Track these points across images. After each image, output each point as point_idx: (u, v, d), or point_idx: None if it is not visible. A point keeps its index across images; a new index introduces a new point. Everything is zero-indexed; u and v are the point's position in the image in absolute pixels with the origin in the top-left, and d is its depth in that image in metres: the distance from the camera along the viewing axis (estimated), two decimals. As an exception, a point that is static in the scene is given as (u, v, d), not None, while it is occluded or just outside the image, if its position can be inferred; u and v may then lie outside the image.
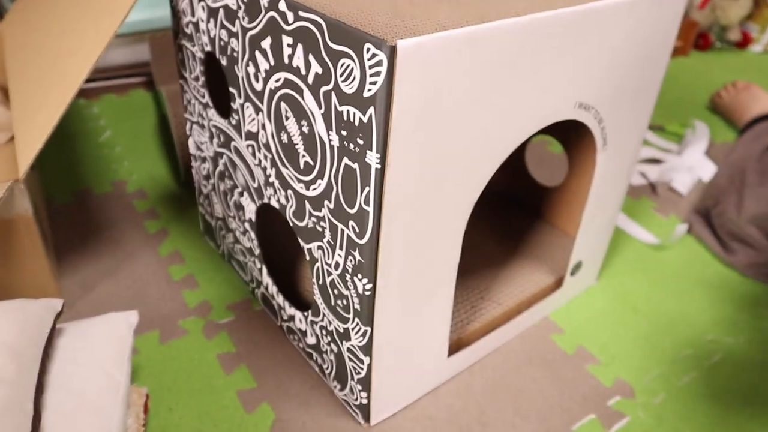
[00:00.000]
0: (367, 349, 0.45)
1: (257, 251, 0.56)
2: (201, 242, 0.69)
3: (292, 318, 0.55)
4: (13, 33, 0.74)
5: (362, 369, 0.46)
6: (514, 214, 0.72)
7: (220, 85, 0.54)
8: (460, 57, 0.35)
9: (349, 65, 0.34)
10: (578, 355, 0.58)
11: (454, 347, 0.54)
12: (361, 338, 0.45)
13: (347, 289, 0.43)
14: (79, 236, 0.68)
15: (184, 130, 0.74)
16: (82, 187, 0.77)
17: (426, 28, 0.34)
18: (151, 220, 0.72)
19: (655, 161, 0.91)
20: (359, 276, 0.41)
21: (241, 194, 0.55)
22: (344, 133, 0.37)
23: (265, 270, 0.56)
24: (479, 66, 0.37)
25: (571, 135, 0.61)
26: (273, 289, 0.56)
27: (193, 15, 0.51)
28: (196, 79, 0.55)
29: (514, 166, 0.73)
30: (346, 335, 0.46)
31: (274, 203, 0.49)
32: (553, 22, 0.39)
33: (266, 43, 0.41)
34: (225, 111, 0.53)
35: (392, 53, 0.32)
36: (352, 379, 0.48)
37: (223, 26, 0.46)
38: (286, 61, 0.40)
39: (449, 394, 0.54)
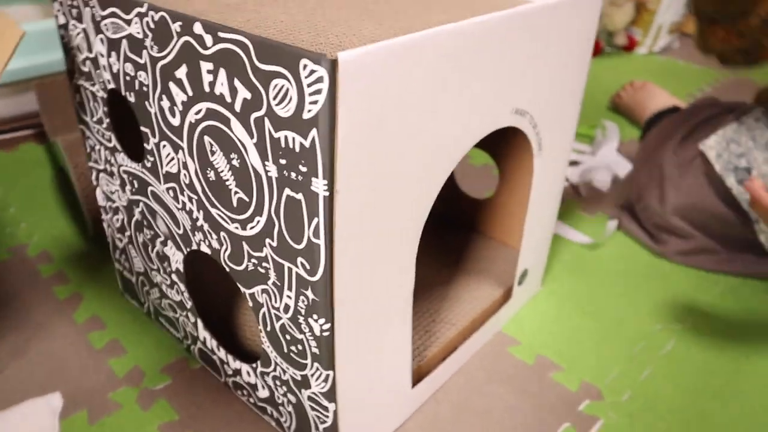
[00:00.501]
0: (331, 394, 0.41)
1: (189, 304, 0.51)
2: (121, 302, 0.62)
3: (238, 372, 0.50)
4: None
5: (327, 417, 0.42)
6: (450, 231, 0.70)
7: (128, 126, 0.49)
8: (400, 68, 0.33)
9: (283, 86, 0.31)
10: (539, 365, 0.57)
11: (416, 376, 0.51)
12: (323, 384, 0.41)
13: (301, 332, 0.39)
14: (-24, 313, 0.60)
15: (89, 181, 0.68)
16: (-27, 258, 0.68)
17: (353, 43, 0.32)
18: (60, 285, 0.64)
19: (572, 163, 0.93)
20: (314, 317, 0.38)
21: (164, 243, 0.49)
22: (283, 161, 0.33)
23: (200, 324, 0.51)
24: (419, 77, 0.34)
25: (501, 144, 0.61)
26: (212, 343, 0.51)
27: (90, 50, 0.46)
28: (100, 121, 0.49)
29: (446, 185, 0.71)
30: (304, 383, 0.42)
31: (204, 249, 0.44)
32: (483, 28, 0.38)
33: (181, 72, 0.37)
34: (137, 154, 0.48)
35: (333, 68, 0.29)
36: (317, 429, 0.44)
37: (127, 59, 0.42)
38: (207, 89, 0.36)
39: (417, 428, 0.50)
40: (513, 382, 0.55)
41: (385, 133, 0.34)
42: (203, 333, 0.52)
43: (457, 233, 0.70)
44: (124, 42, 0.41)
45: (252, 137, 0.34)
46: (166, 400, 0.52)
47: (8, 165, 0.86)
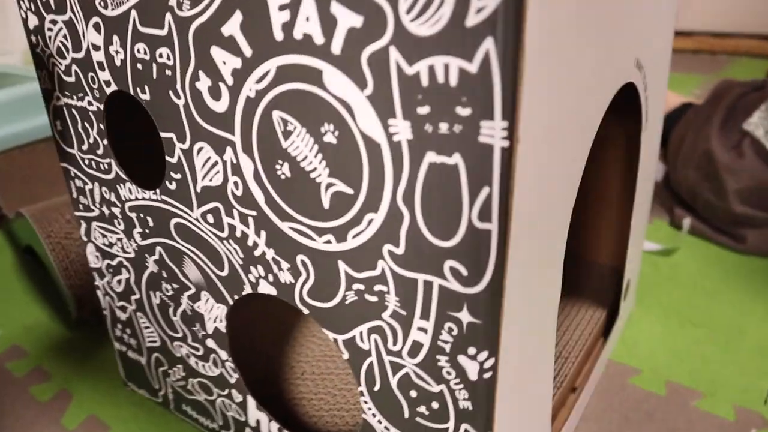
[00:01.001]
0: (485, 468, 0.28)
1: (233, 377, 0.37)
2: (125, 395, 0.47)
3: None
4: None
5: (477, 504, 0.29)
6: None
7: (134, 146, 0.37)
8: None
9: (427, -17, 0.20)
10: (674, 393, 0.45)
11: (555, 411, 0.38)
12: (474, 454, 0.28)
13: (441, 381, 0.27)
14: (-72, 440, 0.44)
15: (66, 252, 0.54)
16: None
17: None
18: (40, 384, 0.49)
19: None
20: (471, 351, 0.25)
21: (195, 298, 0.36)
22: (424, 110, 0.22)
23: (250, 402, 0.38)
24: (589, -22, 0.24)
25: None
26: (270, 427, 0.37)
27: (78, 48, 0.34)
28: (92, 148, 0.37)
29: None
30: (441, 458, 0.29)
31: (265, 289, 0.32)
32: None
33: (232, 26, 0.26)
34: (151, 178, 0.36)
35: (526, -75, 0.18)
36: None
37: (138, 38, 0.30)
38: (280, 35, 0.25)
39: (566, 500, 0.37)
40: (655, 419, 0.43)
41: (572, 49, 0.23)
42: (255, 415, 0.38)
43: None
44: (133, 13, 0.30)
45: (364, 87, 0.23)
46: None
47: (-47, 254, 0.70)
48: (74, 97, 0.36)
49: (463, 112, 0.21)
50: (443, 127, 0.22)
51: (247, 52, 0.26)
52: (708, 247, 0.65)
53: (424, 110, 0.22)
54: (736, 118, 0.68)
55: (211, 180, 0.31)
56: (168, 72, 0.30)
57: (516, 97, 0.20)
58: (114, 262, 0.41)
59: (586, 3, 0.25)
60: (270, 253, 0.30)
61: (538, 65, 0.21)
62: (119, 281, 0.42)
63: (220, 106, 0.28)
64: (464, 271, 0.24)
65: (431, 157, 0.23)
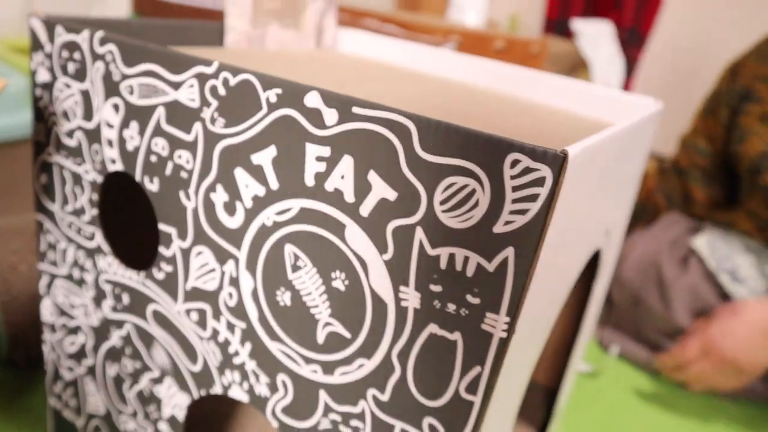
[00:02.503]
0: None
1: (180, 464, 0.37)
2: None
3: None
4: None
5: None
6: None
7: (120, 222, 0.37)
8: (593, 164, 0.26)
9: (464, 187, 0.22)
10: None
11: None
12: None
13: None
14: None
15: (8, 286, 0.52)
16: None
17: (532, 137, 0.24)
18: (-45, 428, 0.46)
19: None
20: None
21: (157, 381, 0.36)
22: (436, 288, 0.24)
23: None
24: (596, 173, 0.27)
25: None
26: None
27: (88, 118, 0.34)
28: (78, 213, 0.37)
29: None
30: None
31: (236, 394, 0.32)
32: (631, 133, 0.32)
33: (264, 157, 0.27)
34: (139, 259, 0.36)
35: (561, 165, 0.21)
36: None
37: (160, 133, 0.31)
38: (310, 182, 0.26)
39: None
40: None
41: (566, 248, 0.26)
42: (193, 504, 0.38)
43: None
44: (160, 110, 0.31)
45: (384, 252, 0.25)
46: None
47: None
48: (70, 160, 0.36)
49: (473, 300, 0.23)
50: (451, 307, 0.24)
51: (273, 185, 0.27)
52: (630, 372, 0.70)
53: (436, 288, 0.24)
54: (686, 237, 0.74)
55: (205, 283, 0.32)
56: (184, 174, 0.31)
57: (521, 299, 0.23)
58: (71, 324, 0.40)
59: (581, 206, 0.28)
60: (251, 365, 0.31)
61: (541, 269, 0.24)
62: (72, 343, 0.41)
63: (232, 222, 0.29)
64: (441, 429, 0.26)
65: (433, 328, 0.25)
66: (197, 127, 0.29)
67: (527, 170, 0.21)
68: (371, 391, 0.27)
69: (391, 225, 0.24)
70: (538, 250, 0.22)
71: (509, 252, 0.22)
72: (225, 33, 0.47)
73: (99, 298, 0.38)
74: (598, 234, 0.36)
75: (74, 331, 0.40)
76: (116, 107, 0.33)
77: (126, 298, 0.36)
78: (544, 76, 0.44)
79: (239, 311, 0.31)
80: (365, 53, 0.55)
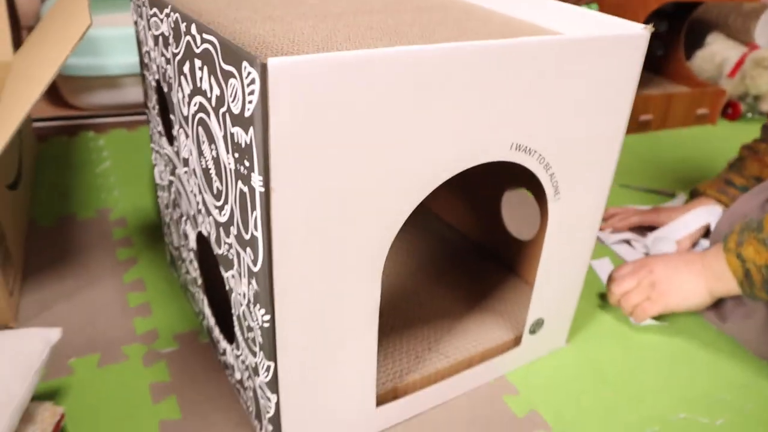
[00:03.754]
0: (273, 385, 0.43)
1: (200, 281, 0.55)
2: (166, 273, 0.69)
3: (225, 351, 0.53)
4: (16, 60, 0.78)
5: (270, 407, 0.44)
6: (486, 267, 0.69)
7: (166, 113, 0.55)
8: (350, 81, 0.34)
9: (234, 85, 0.34)
10: (528, 420, 0.54)
11: (388, 397, 0.51)
12: (266, 374, 0.43)
13: (253, 320, 0.42)
14: (51, 258, 0.70)
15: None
16: (67, 212, 0.79)
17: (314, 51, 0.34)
18: (123, 248, 0.72)
19: (637, 229, 0.86)
20: (257, 306, 0.40)
21: (186, 222, 0.54)
22: (236, 155, 0.36)
23: (205, 301, 0.56)
24: (377, 94, 0.36)
25: (533, 184, 0.59)
26: (212, 321, 0.55)
27: (146, 44, 0.52)
28: (154, 108, 0.56)
29: (489, 216, 0.70)
30: (256, 370, 0.44)
31: (203, 231, 0.49)
32: (473, 53, 0.38)
33: (186, 68, 0.42)
34: (171, 138, 0.54)
35: (263, 71, 0.31)
36: (264, 418, 0.46)
37: (162, 53, 0.47)
38: (198, 84, 0.40)
39: (376, 448, 0.50)
40: (492, 429, 0.53)
41: (331, 142, 0.35)
42: (207, 310, 0.56)
43: (492, 271, 0.68)
44: (161, 38, 0.47)
45: (221, 129, 0.38)
46: (167, 363, 0.57)
47: (125, 142, 0.98)
48: (147, 72, 0.55)
49: (246, 163, 0.35)
50: (242, 168, 0.36)
51: (190, 86, 0.42)
52: (690, 322, 0.68)
53: (237, 155, 0.36)
54: None
55: (185, 153, 0.48)
56: (170, 80, 0.47)
57: (267, 162, 0.34)
58: (162, 183, 0.61)
59: (354, 117, 0.36)
60: (203, 210, 0.47)
61: (283, 146, 0.34)
62: (163, 197, 0.61)
63: (185, 111, 0.45)
64: (252, 256, 0.38)
65: (240, 184, 0.37)
66: (170, 48, 0.45)
67: (249, 73, 0.32)
68: (231, 228, 0.41)
69: (220, 111, 0.37)
70: (267, 130, 0.33)
71: (251, 130, 0.33)
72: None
73: (165, 165, 0.57)
74: (475, 146, 0.42)
75: (163, 188, 0.61)
76: (152, 37, 0.50)
77: (171, 165, 0.55)
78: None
79: (195, 173, 0.46)
80: None
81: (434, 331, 0.58)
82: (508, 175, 0.66)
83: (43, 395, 0.52)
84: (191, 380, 0.55)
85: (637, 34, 0.46)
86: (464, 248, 0.72)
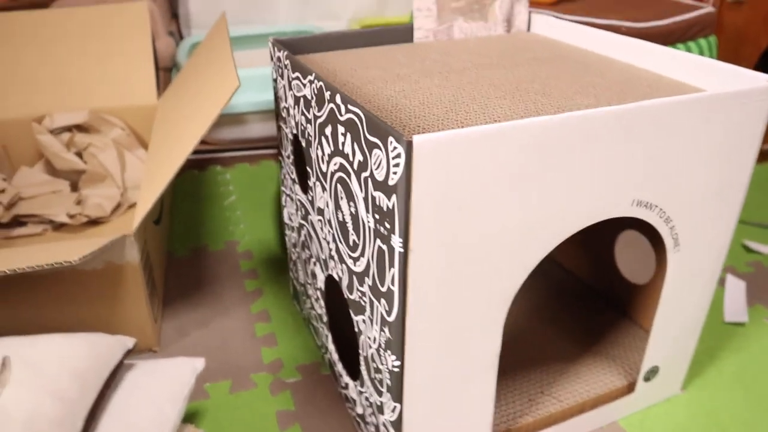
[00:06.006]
0: (398, 425, 0.46)
1: (325, 318, 0.60)
2: (289, 305, 0.74)
3: (347, 386, 0.57)
4: (162, 106, 0.87)
5: (395, 445, 0.47)
6: (599, 310, 0.69)
7: (302, 164, 0.60)
8: (483, 152, 0.37)
9: (379, 155, 0.38)
10: (645, 470, 0.54)
11: (503, 439, 0.53)
12: (392, 414, 0.46)
13: (382, 363, 0.45)
14: (188, 287, 0.77)
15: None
16: (200, 244, 0.86)
17: (454, 125, 0.37)
18: (250, 280, 0.79)
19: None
20: (389, 352, 0.43)
21: (315, 264, 0.59)
22: (377, 216, 0.40)
23: (330, 337, 0.60)
24: (507, 162, 0.38)
25: (650, 231, 0.59)
26: (335, 356, 0.59)
27: (285, 101, 0.58)
28: (288, 157, 0.61)
29: (602, 258, 0.70)
30: (381, 409, 0.48)
31: (334, 275, 0.53)
32: (599, 120, 0.40)
33: (328, 131, 0.46)
34: (305, 187, 0.59)
35: (409, 147, 0.35)
36: (388, 454, 0.49)
37: (302, 113, 0.52)
38: (341, 147, 0.44)
39: (492, 488, 0.52)
40: (608, 477, 0.53)
41: (464, 208, 0.38)
42: (331, 346, 0.60)
43: (605, 314, 0.68)
44: (302, 100, 0.52)
45: (362, 191, 0.42)
46: (291, 392, 0.61)
47: (249, 176, 1.06)
48: (284, 125, 0.60)
49: (387, 225, 0.39)
50: (382, 228, 0.40)
51: (331, 147, 0.46)
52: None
53: (377, 216, 0.40)
54: None
55: (320, 203, 0.53)
56: (309, 138, 0.52)
57: (408, 226, 0.37)
58: (291, 224, 0.66)
59: (485, 186, 0.39)
60: (336, 257, 0.51)
61: (424, 214, 0.37)
62: (292, 237, 0.67)
63: (324, 167, 0.49)
64: (387, 307, 0.42)
65: (379, 242, 0.41)
66: (311, 110, 0.50)
67: (395, 148, 0.36)
68: (366, 278, 0.44)
69: (362, 175, 0.41)
70: (409, 199, 0.36)
71: (394, 197, 0.37)
72: (414, 31, 0.65)
73: (296, 209, 0.62)
74: (597, 204, 0.44)
75: (293, 229, 0.66)
76: (292, 96, 0.55)
77: (303, 210, 0.60)
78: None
79: (330, 223, 0.51)
80: (553, 36, 0.67)
81: (547, 374, 0.59)
82: (624, 219, 0.66)
83: (185, 418, 0.58)
84: (314, 410, 0.59)
85: (764, 87, 0.46)
86: (578, 290, 0.73)
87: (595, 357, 0.62)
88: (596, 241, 0.71)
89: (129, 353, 0.49)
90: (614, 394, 0.58)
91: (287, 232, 0.69)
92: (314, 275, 0.60)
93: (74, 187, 0.92)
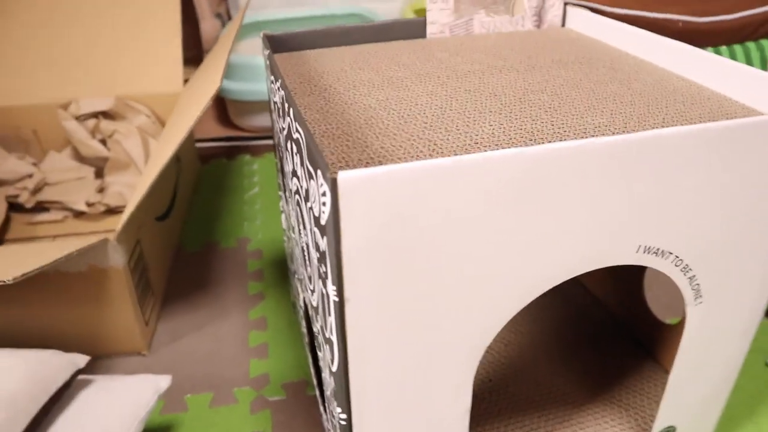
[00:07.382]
0: (350, 480, 0.41)
1: (306, 339, 0.56)
2: (288, 312, 0.70)
3: (322, 414, 0.53)
4: (181, 97, 0.85)
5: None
6: (621, 347, 0.61)
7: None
8: (431, 191, 0.31)
9: (314, 188, 0.33)
10: None
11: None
12: (344, 466, 0.41)
13: (333, 413, 0.40)
14: (191, 286, 0.75)
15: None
16: (213, 239, 0.84)
17: (444, 149, 0.31)
18: (254, 282, 0.75)
19: None
20: (335, 403, 0.38)
21: (298, 280, 0.55)
22: (318, 255, 0.35)
23: (310, 359, 0.56)
24: (466, 202, 0.32)
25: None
26: (314, 380, 0.55)
27: (270, 104, 0.53)
28: (277, 163, 0.57)
29: (629, 286, 0.62)
30: (337, 457, 0.43)
31: (306, 300, 0.48)
32: (588, 155, 0.33)
33: (289, 145, 0.41)
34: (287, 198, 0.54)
35: (334, 185, 0.29)
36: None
37: (278, 120, 0.48)
38: (295, 168, 0.39)
39: None
40: None
41: (415, 254, 0.33)
42: (311, 369, 0.56)
43: (626, 354, 0.60)
44: (277, 105, 0.47)
45: (309, 222, 0.37)
46: (271, 412, 0.58)
47: (272, 168, 1.03)
48: (274, 129, 0.56)
49: (323, 268, 0.33)
50: (321, 269, 0.34)
51: (291, 165, 0.41)
52: None
53: (317, 255, 0.35)
54: None
55: (293, 221, 0.48)
56: (280, 148, 0.47)
57: (341, 274, 0.32)
58: (287, 231, 0.62)
59: (443, 228, 0.33)
60: (306, 282, 0.46)
61: (358, 261, 0.32)
62: (288, 246, 0.63)
63: (291, 185, 0.44)
64: (330, 354, 0.37)
65: (319, 283, 0.35)
66: (280, 121, 0.45)
67: (321, 183, 0.30)
68: (318, 317, 0.39)
69: (307, 205, 0.36)
70: (339, 243, 0.31)
71: (325, 239, 0.32)
72: (427, 26, 0.59)
73: (287, 218, 0.58)
74: (597, 250, 0.37)
75: (287, 237, 0.62)
76: (273, 100, 0.50)
77: (288, 220, 0.55)
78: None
79: (301, 243, 0.46)
80: (589, 33, 0.59)
81: (545, 422, 0.53)
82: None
83: (158, 428, 0.56)
84: (292, 435, 0.56)
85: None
86: (599, 319, 0.65)
87: (606, 404, 0.54)
88: (625, 268, 0.63)
89: (79, 372, 0.46)
90: (622, 453, 0.51)
91: (284, 237, 0.65)
92: (298, 293, 0.56)
93: (99, 174, 0.92)
